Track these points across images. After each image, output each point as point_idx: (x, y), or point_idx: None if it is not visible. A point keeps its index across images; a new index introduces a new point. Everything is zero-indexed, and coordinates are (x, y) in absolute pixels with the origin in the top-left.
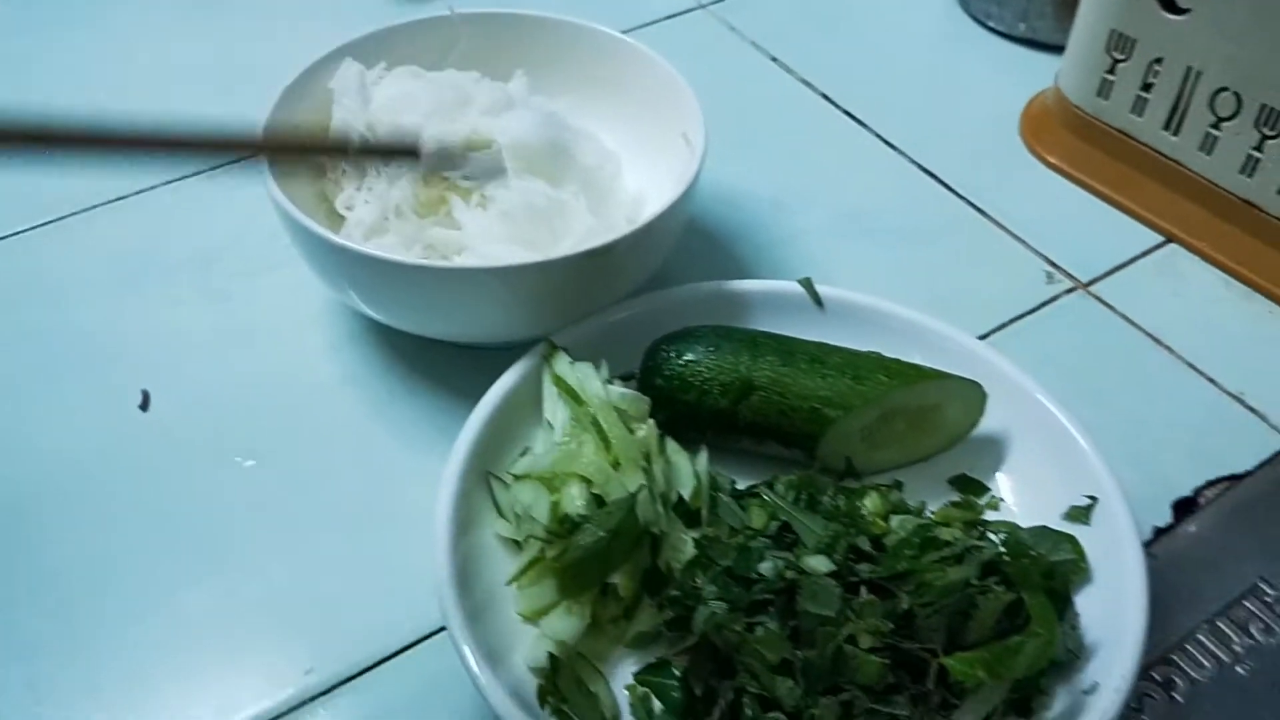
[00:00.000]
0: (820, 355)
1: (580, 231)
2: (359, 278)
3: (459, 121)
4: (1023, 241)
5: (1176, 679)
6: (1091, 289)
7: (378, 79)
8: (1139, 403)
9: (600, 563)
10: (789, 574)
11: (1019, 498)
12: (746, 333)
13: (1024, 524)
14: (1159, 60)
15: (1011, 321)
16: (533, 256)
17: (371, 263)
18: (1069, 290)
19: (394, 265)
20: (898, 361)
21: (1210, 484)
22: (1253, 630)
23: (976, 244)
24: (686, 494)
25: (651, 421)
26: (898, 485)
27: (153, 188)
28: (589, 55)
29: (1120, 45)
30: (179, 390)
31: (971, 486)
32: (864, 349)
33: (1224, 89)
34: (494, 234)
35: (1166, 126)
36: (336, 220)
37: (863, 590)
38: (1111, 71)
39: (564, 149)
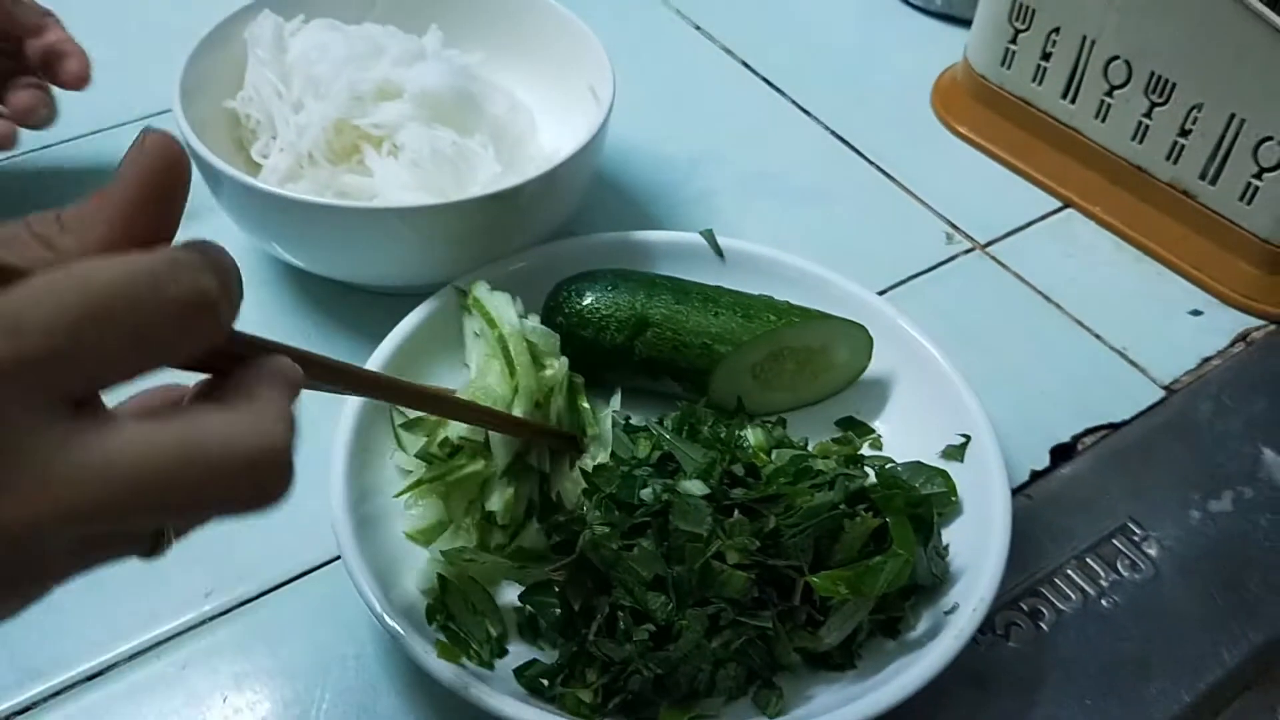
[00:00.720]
0: (713, 295)
1: (486, 179)
2: (274, 220)
3: (371, 71)
4: (926, 205)
5: (1044, 609)
6: (989, 249)
7: (295, 31)
8: (1027, 356)
9: (479, 488)
10: (666, 497)
11: (901, 438)
12: (644, 275)
13: (902, 461)
14: (1057, 30)
15: (910, 279)
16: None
17: (286, 204)
18: (967, 250)
19: (307, 205)
20: (787, 303)
21: (1089, 431)
22: (1119, 566)
23: (881, 206)
24: (590, 435)
25: (564, 360)
26: (782, 422)
27: (73, 139)
28: (505, 12)
29: (1021, 15)
30: None
31: (856, 427)
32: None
33: (1116, 57)
34: (403, 181)
35: (1065, 95)
36: (254, 168)
37: (735, 513)
38: (1014, 41)
39: (473, 99)
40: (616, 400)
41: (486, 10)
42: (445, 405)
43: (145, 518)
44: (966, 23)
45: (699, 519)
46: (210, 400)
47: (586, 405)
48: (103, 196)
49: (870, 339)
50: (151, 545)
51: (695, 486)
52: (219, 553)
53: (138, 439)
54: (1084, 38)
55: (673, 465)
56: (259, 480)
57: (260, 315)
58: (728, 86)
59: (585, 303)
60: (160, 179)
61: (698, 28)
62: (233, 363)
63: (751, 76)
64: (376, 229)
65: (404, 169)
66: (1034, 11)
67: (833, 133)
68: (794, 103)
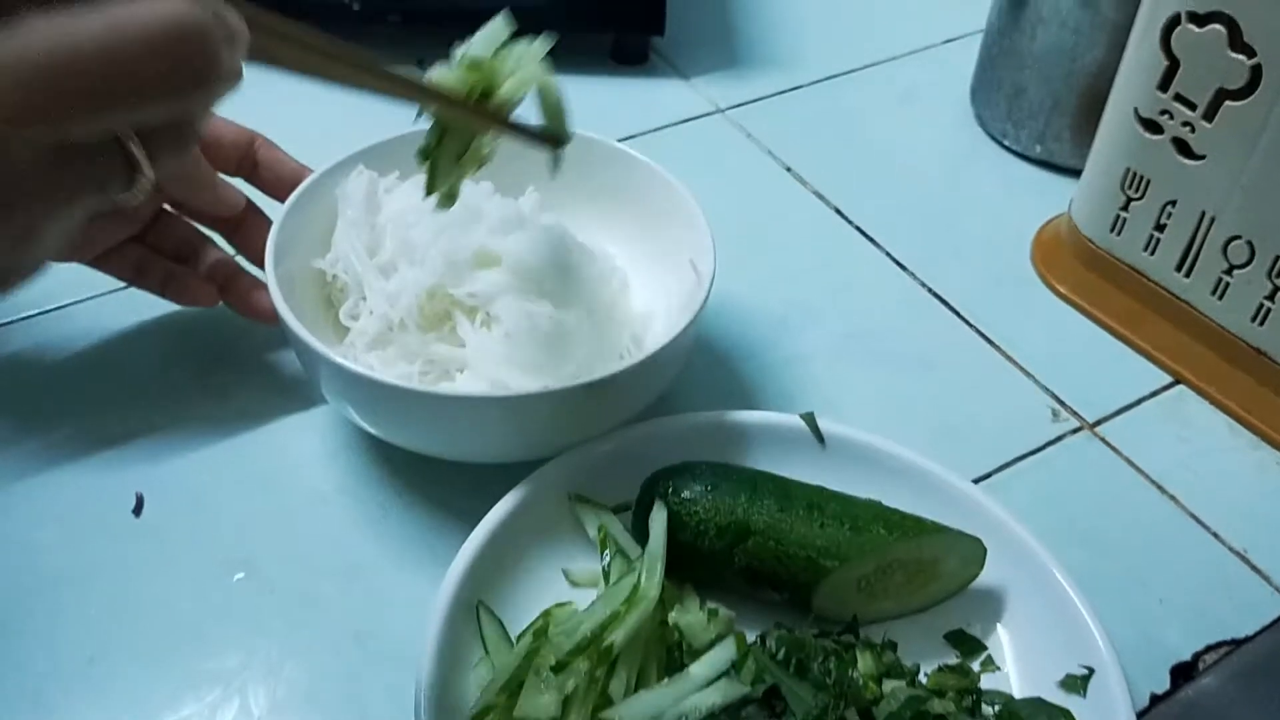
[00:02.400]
0: (819, 502)
1: (583, 357)
2: (357, 396)
3: (468, 237)
4: (1030, 375)
5: None
6: (1097, 430)
7: (390, 188)
8: (1140, 556)
9: None
10: None
11: (1015, 658)
12: (746, 473)
13: (1019, 688)
14: (1173, 202)
15: (1015, 461)
16: (534, 381)
17: (370, 384)
18: (1074, 430)
19: (393, 388)
20: (898, 513)
21: (1210, 648)
22: None
23: (983, 375)
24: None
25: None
26: (892, 646)
27: None
28: (606, 171)
29: (1135, 184)
30: (173, 494)
31: (967, 645)
32: (863, 493)
33: (1238, 236)
34: (496, 355)
35: (1179, 268)
36: (340, 330)
37: None
38: (1125, 209)
39: (571, 270)
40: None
41: (586, 170)
42: (414, 90)
43: (84, 109)
44: (1067, 170)
45: None
46: None
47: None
48: None
49: (984, 550)
50: (125, 170)
51: None
52: None
53: (49, 28)
54: (1203, 214)
55: (780, 704)
56: (181, 53)
57: (340, 481)
58: (819, 234)
59: (682, 503)
60: None
61: (788, 169)
62: None
63: (843, 224)
64: (465, 413)
65: (498, 342)
66: (1148, 182)
67: (928, 288)
68: (888, 254)
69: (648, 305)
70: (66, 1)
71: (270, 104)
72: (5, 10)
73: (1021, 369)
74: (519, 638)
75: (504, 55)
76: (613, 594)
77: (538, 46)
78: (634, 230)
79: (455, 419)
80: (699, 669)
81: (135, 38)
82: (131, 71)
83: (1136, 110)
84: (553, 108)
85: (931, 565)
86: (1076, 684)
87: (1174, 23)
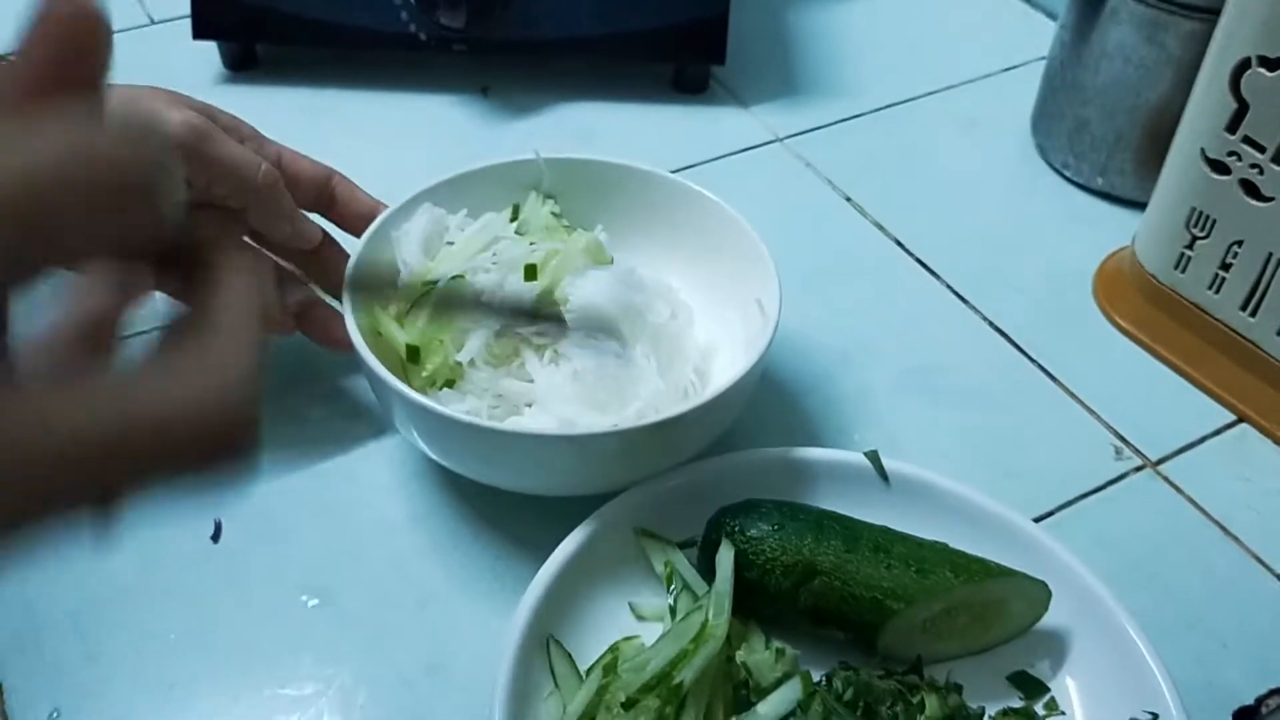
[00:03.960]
0: (885, 544)
1: (649, 395)
2: (429, 430)
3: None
4: (1092, 412)
5: None
6: (1160, 468)
7: (461, 226)
8: (1204, 598)
9: None
10: None
11: (1079, 702)
12: (811, 511)
13: None
14: (1239, 243)
15: (1078, 499)
16: (601, 417)
17: (441, 419)
18: (1137, 469)
19: (463, 424)
20: (964, 555)
21: (1273, 692)
22: None
23: (1045, 411)
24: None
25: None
26: (957, 688)
27: None
28: (670, 205)
29: (1200, 223)
30: (250, 519)
31: (1031, 687)
32: (928, 532)
33: None
34: (564, 392)
35: (1244, 307)
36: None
37: None
38: (1190, 247)
39: (637, 311)
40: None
41: (650, 205)
42: None
43: (76, 489)
44: (1129, 203)
45: None
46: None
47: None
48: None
49: (1049, 593)
50: (101, 499)
51: None
52: None
53: (62, 404)
54: (1270, 255)
55: None
56: (212, 445)
57: (411, 510)
58: (879, 266)
59: (749, 541)
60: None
61: (848, 199)
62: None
63: (904, 256)
64: (535, 451)
65: (565, 380)
66: (1214, 221)
67: (989, 322)
68: (949, 286)
69: (710, 337)
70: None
71: (347, 143)
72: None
73: (1083, 404)
74: (588, 672)
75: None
76: (681, 630)
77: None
78: (697, 263)
79: (524, 456)
80: (765, 708)
81: (161, 434)
82: (154, 465)
83: (1203, 151)
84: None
85: (997, 607)
86: None
87: (1244, 66)
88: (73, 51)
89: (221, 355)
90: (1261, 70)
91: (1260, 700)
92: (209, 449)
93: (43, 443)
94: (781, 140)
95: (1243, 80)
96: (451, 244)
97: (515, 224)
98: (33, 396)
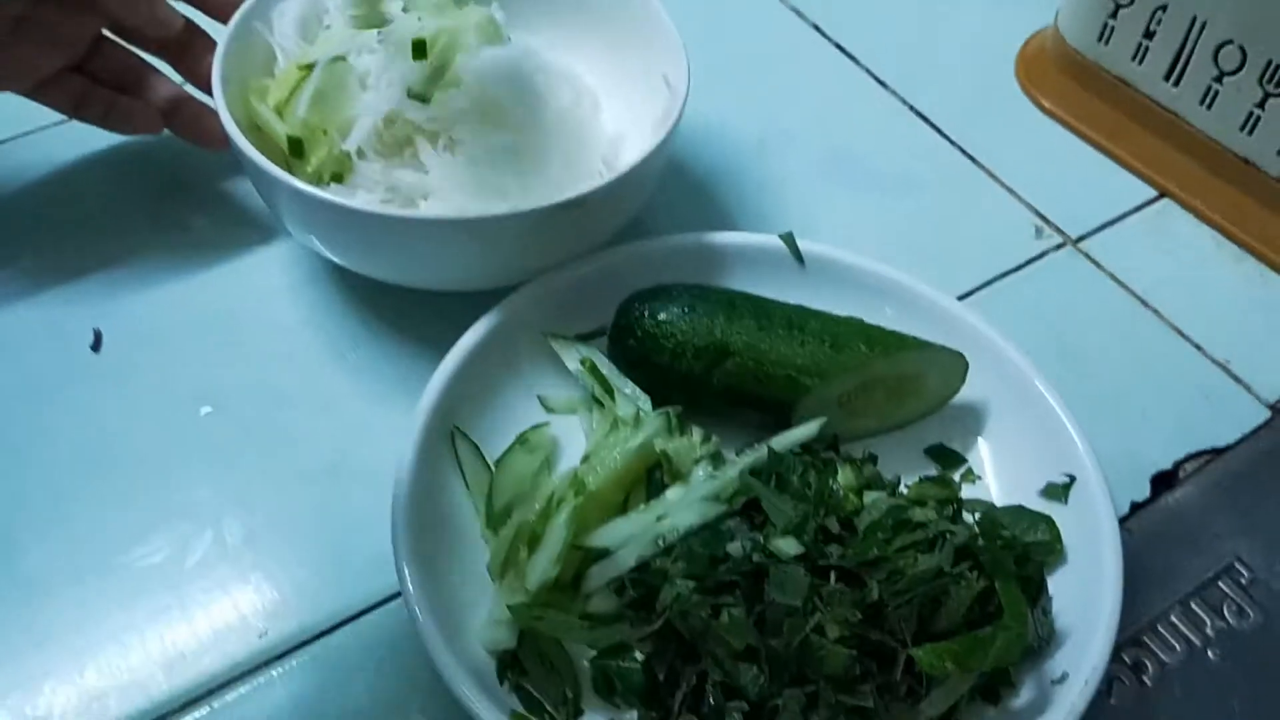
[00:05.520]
0: (799, 320)
1: (552, 181)
2: (321, 224)
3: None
4: (1013, 192)
5: (1146, 662)
6: (1081, 245)
7: (341, 8)
8: (1123, 369)
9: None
10: (757, 556)
11: (996, 470)
12: (723, 293)
13: (999, 499)
14: (1163, 8)
15: (998, 278)
16: (502, 206)
17: (334, 209)
18: (1058, 246)
19: (358, 213)
20: (879, 329)
21: (1191, 457)
22: (1226, 613)
23: (966, 193)
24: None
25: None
26: (872, 459)
27: None
28: None
29: None
30: (133, 329)
31: (948, 458)
32: (844, 311)
33: (1229, 42)
34: (461, 180)
35: (1167, 77)
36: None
37: (831, 576)
38: (1114, 16)
39: (538, 93)
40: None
41: None
42: None
43: None
44: None
45: (796, 589)
46: None
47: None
48: None
49: (966, 365)
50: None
51: (789, 545)
52: (275, 592)
53: None
54: (1194, 18)
55: (760, 516)
56: None
57: (306, 314)
58: (797, 52)
59: (659, 325)
60: None
61: None
62: None
63: (823, 41)
64: (432, 238)
65: (462, 167)
66: None
67: (909, 106)
68: (868, 71)
69: (619, 126)
70: None
71: None
72: None
73: (1005, 186)
74: (497, 462)
75: None
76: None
77: None
78: (603, 47)
79: (422, 244)
80: (675, 491)
81: None
82: None
83: None
84: None
85: (913, 381)
86: (1058, 492)
87: None
88: None
89: None
90: None
91: (1178, 465)
92: None
93: None
94: None
95: None
96: (329, 27)
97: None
98: None
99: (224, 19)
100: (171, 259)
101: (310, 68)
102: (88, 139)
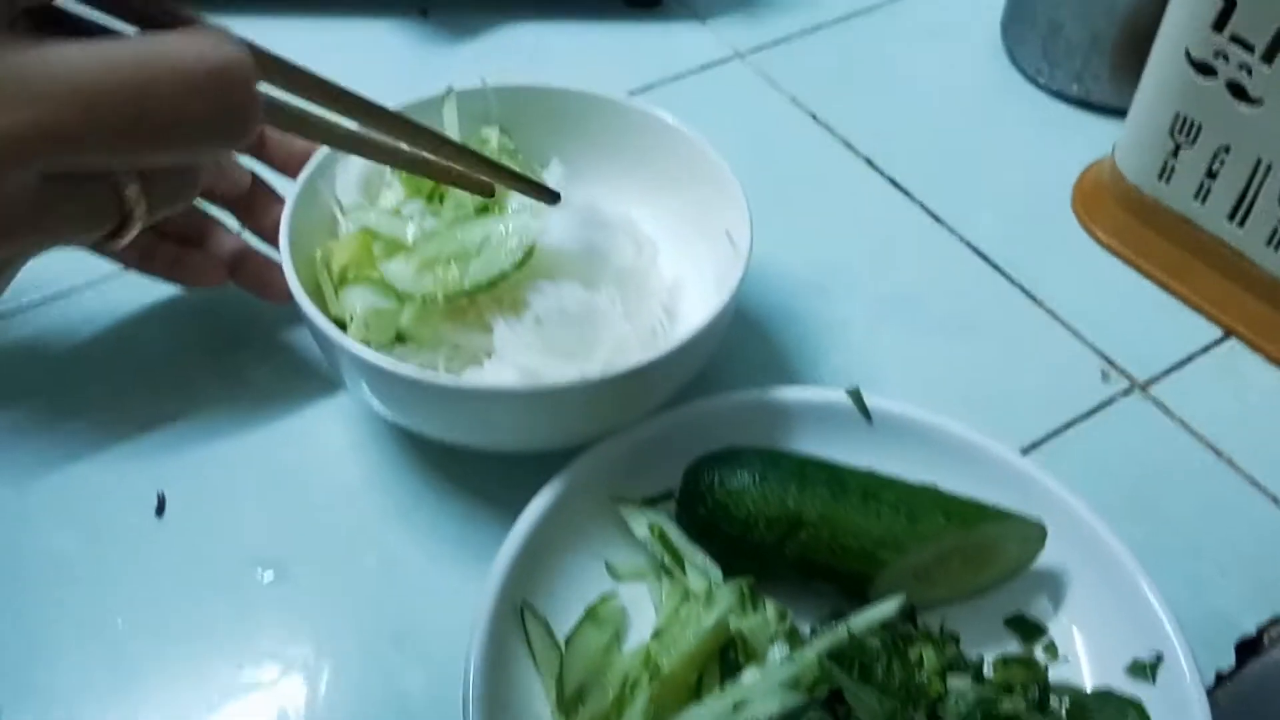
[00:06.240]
0: (873, 490)
1: (615, 340)
2: (381, 389)
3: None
4: (1076, 333)
5: None
6: (1149, 390)
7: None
8: (1199, 523)
9: None
10: None
11: (1078, 643)
12: (794, 459)
13: (1084, 672)
14: (1226, 149)
15: (1066, 427)
16: (566, 366)
17: (393, 377)
18: (1125, 391)
19: (421, 384)
20: (955, 498)
21: (1275, 621)
22: None
23: (1028, 334)
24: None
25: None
26: (954, 639)
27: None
28: (634, 140)
29: (1185, 129)
30: (195, 490)
31: (1028, 629)
32: (914, 472)
33: None
34: (526, 341)
35: (1231, 217)
36: None
37: None
38: (1174, 154)
39: (600, 251)
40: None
41: (612, 136)
42: (417, 133)
43: (102, 144)
44: (1107, 110)
45: None
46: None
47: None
48: None
49: (1044, 532)
50: (117, 216)
51: None
52: None
53: (87, 52)
54: (1258, 160)
55: (843, 708)
56: (224, 92)
57: (368, 473)
58: (850, 188)
59: (730, 494)
60: None
61: (814, 116)
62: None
63: (875, 175)
64: (496, 406)
65: (527, 328)
66: (1199, 127)
67: (966, 242)
68: (923, 206)
69: (677, 272)
70: (96, 29)
71: None
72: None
73: (1067, 326)
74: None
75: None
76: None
77: None
78: (660, 191)
79: (487, 413)
80: (752, 675)
81: (173, 75)
82: (165, 111)
83: (1188, 52)
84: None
85: (991, 549)
86: (1145, 670)
87: None
88: None
89: (221, 34)
90: None
91: (1262, 630)
92: (220, 102)
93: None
94: (742, 56)
95: None
96: (391, 186)
97: None
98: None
99: (290, 173)
100: (233, 412)
101: (374, 233)
102: (149, 288)
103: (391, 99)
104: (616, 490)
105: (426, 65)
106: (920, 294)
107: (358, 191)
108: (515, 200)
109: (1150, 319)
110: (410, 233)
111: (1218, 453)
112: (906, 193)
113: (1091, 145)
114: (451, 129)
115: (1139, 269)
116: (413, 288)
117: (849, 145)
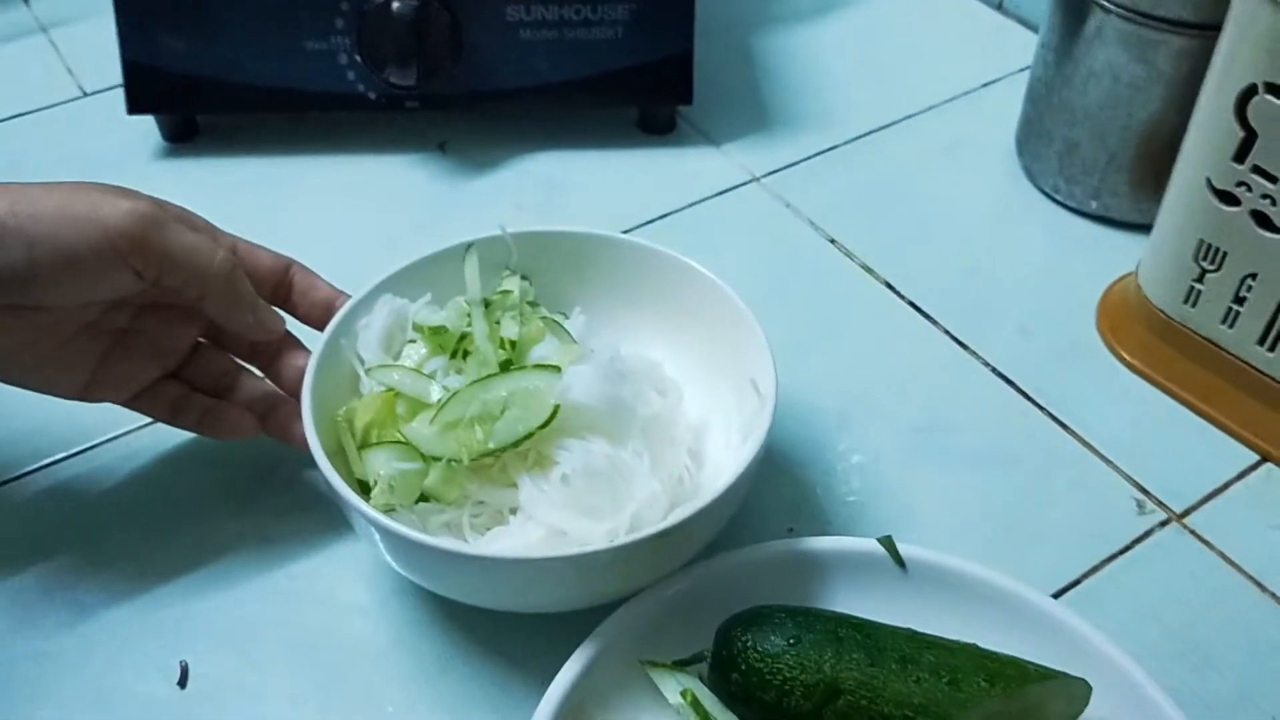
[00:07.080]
0: (912, 653)
1: (643, 496)
2: (402, 554)
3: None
4: (1108, 460)
5: None
6: (1186, 521)
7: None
8: (1244, 665)
9: None
10: None
11: None
12: (827, 618)
13: None
14: (1253, 275)
15: (1103, 564)
16: (594, 526)
17: (415, 545)
18: (1162, 524)
19: (443, 552)
20: (997, 659)
21: None
22: None
23: (1058, 463)
24: None
25: None
26: None
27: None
28: (652, 276)
29: (1209, 256)
30: (217, 658)
31: None
32: (951, 623)
33: None
34: (553, 499)
35: (1261, 341)
36: None
37: None
38: (1200, 280)
39: (626, 404)
40: None
41: (633, 278)
42: None
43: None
44: (1127, 226)
45: None
46: None
47: None
48: None
49: (1089, 690)
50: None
51: None
52: None
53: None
54: None
55: None
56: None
57: (393, 634)
58: (870, 313)
59: (764, 659)
60: None
61: (832, 240)
62: None
63: (896, 299)
64: (522, 573)
65: (554, 486)
66: (1225, 254)
67: (991, 368)
68: (946, 331)
69: (701, 413)
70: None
71: (301, 211)
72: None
73: (1098, 454)
74: None
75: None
76: None
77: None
78: (682, 332)
79: (512, 579)
80: None
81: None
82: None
83: (1209, 181)
84: None
85: (1035, 710)
86: None
87: (1249, 93)
88: None
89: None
90: (1269, 97)
91: None
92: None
93: None
94: (758, 180)
95: (1249, 107)
96: (414, 341)
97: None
98: None
99: (315, 324)
100: (257, 567)
101: (396, 393)
102: (167, 440)
103: (414, 235)
104: (647, 651)
105: (447, 200)
106: (947, 423)
107: (380, 348)
108: (538, 354)
109: (1183, 445)
110: (434, 392)
111: (1262, 587)
112: (930, 318)
113: (1113, 262)
114: (473, 283)
115: (1168, 392)
116: (437, 450)
117: (869, 269)
